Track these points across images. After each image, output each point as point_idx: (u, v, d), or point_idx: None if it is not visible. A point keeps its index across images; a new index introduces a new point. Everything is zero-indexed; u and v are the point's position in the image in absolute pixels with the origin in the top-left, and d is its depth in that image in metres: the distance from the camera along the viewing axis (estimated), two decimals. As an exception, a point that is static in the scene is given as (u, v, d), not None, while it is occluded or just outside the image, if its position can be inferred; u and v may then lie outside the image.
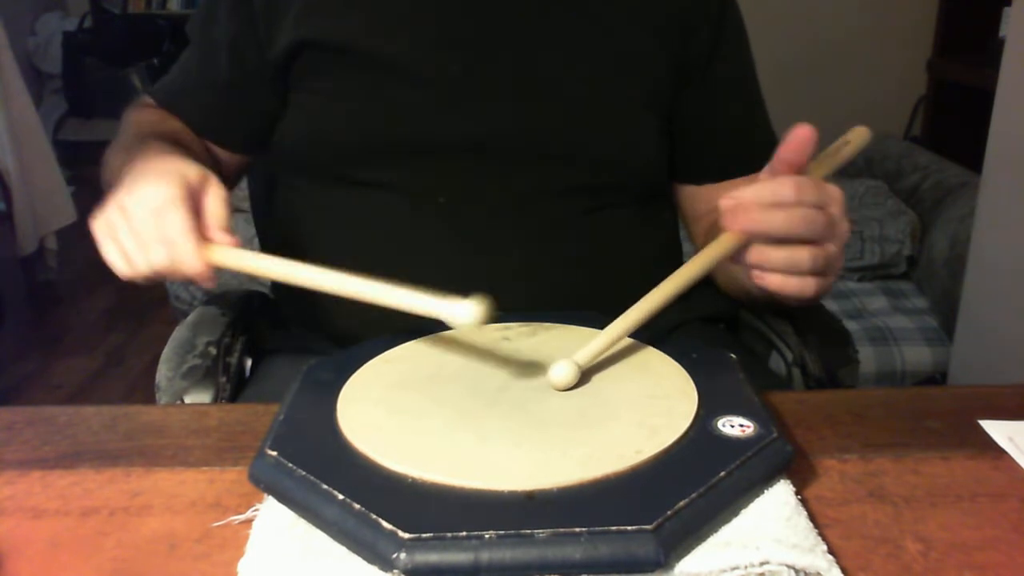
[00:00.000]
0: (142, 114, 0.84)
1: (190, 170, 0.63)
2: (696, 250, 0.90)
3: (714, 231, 0.83)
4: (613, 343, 0.59)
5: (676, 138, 0.84)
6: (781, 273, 0.58)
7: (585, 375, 0.57)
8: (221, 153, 0.85)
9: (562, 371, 0.55)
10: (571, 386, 0.56)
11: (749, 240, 0.58)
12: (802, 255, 0.57)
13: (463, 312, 0.53)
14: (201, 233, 0.61)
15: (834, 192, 0.58)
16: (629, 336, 0.61)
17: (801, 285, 0.58)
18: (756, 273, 0.59)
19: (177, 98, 0.85)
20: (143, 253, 0.60)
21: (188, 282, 0.65)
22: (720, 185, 0.85)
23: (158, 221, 0.59)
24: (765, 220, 0.56)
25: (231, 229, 0.63)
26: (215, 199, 0.63)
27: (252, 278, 0.70)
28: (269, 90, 0.80)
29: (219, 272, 0.62)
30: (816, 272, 0.58)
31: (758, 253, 0.58)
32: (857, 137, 0.65)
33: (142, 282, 0.63)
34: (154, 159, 0.65)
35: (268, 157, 0.86)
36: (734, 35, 0.83)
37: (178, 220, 0.59)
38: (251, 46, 0.79)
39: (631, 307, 0.60)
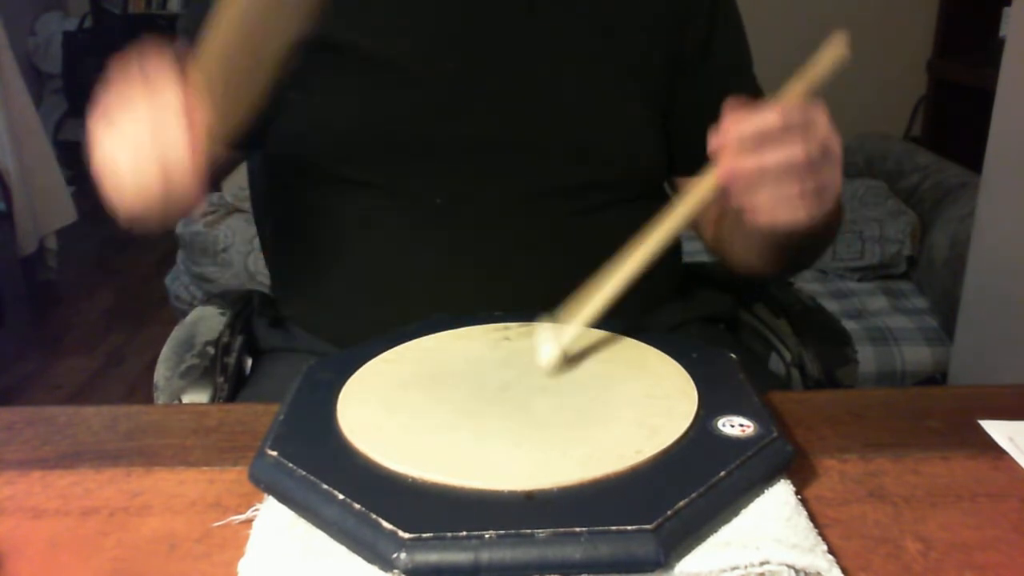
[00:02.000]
0: None
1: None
2: (700, 246, 0.91)
3: (722, 219, 0.83)
4: (608, 300, 0.59)
5: (675, 132, 0.84)
6: (768, 209, 0.58)
7: (585, 374, 0.57)
8: None
9: (548, 351, 0.57)
10: (559, 364, 0.57)
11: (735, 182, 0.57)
12: (791, 188, 0.57)
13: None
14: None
15: (818, 110, 0.58)
16: (628, 334, 0.61)
17: (793, 214, 0.58)
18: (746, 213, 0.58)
19: None
20: (138, 130, 0.56)
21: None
22: None
23: (151, 100, 0.56)
24: (753, 160, 0.56)
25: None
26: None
27: (252, 278, 0.69)
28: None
29: (220, 271, 0.61)
30: (807, 196, 0.58)
31: (744, 196, 0.57)
32: (833, 47, 0.63)
33: (130, 187, 0.58)
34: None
35: (267, 156, 0.86)
36: (728, 25, 0.83)
37: (170, 93, 0.56)
38: None
39: (620, 262, 0.59)
